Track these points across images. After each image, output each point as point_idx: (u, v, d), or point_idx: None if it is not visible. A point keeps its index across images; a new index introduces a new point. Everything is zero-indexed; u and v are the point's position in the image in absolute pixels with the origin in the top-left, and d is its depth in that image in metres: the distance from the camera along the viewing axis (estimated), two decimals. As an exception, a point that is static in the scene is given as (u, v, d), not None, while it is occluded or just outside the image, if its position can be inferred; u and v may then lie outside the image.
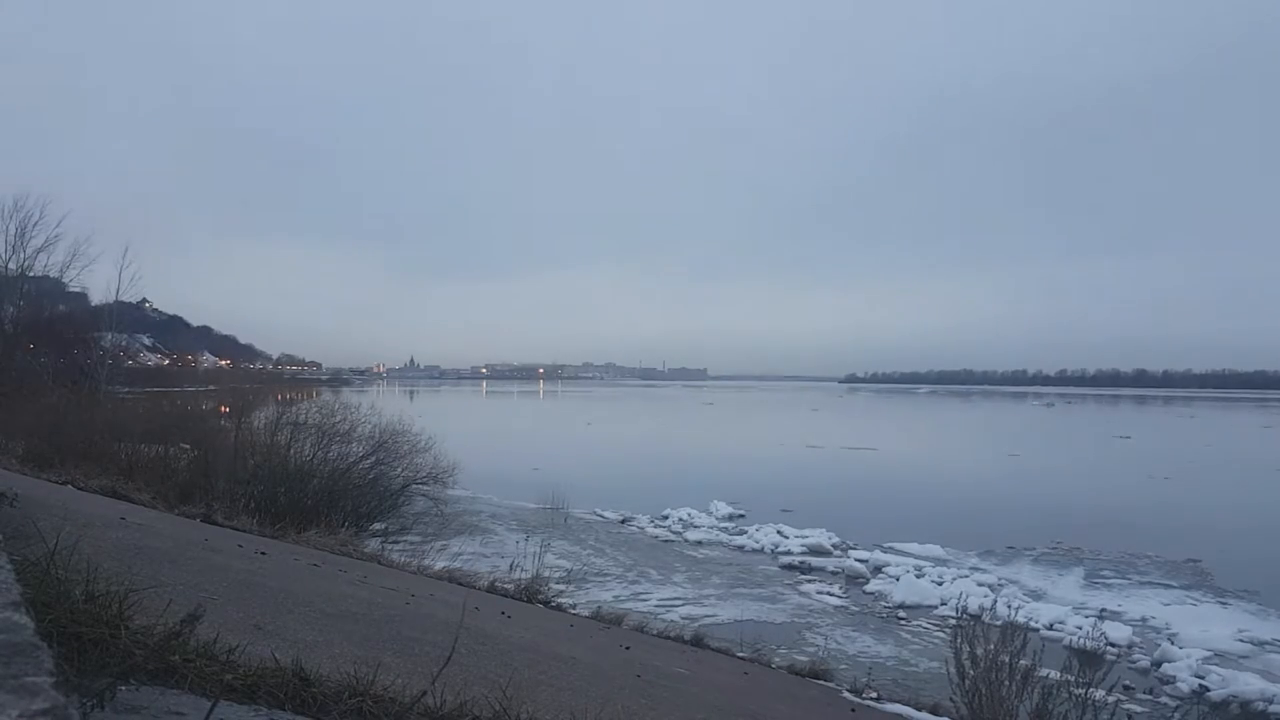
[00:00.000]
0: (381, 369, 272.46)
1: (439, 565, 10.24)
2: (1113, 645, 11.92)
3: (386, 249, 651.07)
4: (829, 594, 15.16)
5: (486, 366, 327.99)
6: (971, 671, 6.23)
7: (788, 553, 18.21)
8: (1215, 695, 10.52)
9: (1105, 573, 17.10)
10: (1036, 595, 15.22)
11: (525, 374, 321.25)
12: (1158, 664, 11.65)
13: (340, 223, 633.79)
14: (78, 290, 38.29)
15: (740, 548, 18.97)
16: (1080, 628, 12.41)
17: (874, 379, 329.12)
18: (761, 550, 18.69)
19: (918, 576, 15.80)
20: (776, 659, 8.73)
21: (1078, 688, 5.85)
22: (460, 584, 8.45)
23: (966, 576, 16.14)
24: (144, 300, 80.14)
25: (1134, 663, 11.81)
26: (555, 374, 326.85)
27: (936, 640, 12.19)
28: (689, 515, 21.93)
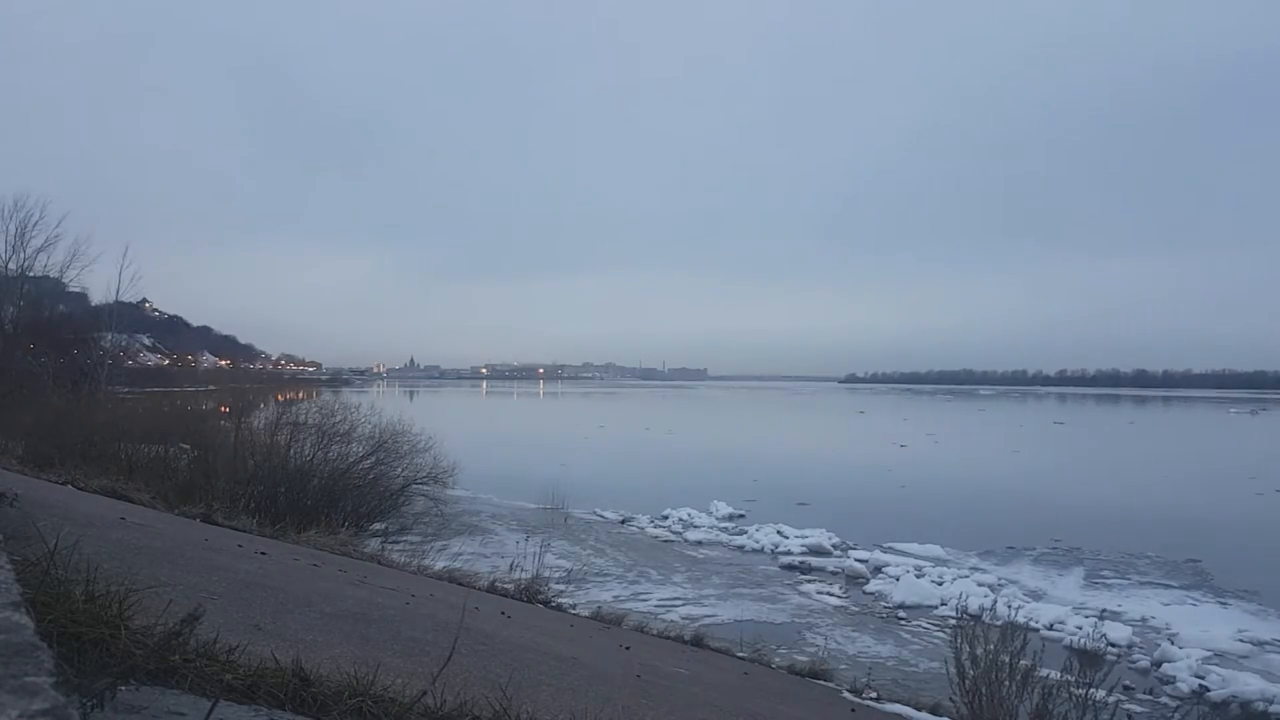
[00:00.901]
0: (381, 369, 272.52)
1: (439, 565, 10.23)
2: (1113, 645, 11.92)
3: (388, 249, 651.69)
4: (829, 594, 15.16)
5: (486, 367, 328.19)
6: (971, 671, 6.23)
7: (788, 553, 18.21)
8: (1215, 695, 10.52)
9: (1105, 573, 17.10)
10: (1036, 595, 15.23)
11: (525, 374, 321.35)
12: (1158, 664, 11.65)
13: (339, 222, 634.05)
14: (78, 290, 38.43)
15: (740, 548, 18.98)
16: (1080, 628, 12.41)
17: (874, 379, 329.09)
18: (761, 550, 18.69)
19: (918, 576, 15.81)
20: (776, 659, 8.72)
21: (1078, 688, 5.85)
22: (460, 584, 8.45)
23: (966, 576, 16.15)
24: (144, 300, 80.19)
25: (1134, 663, 11.81)
26: (555, 374, 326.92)
27: (936, 640, 12.19)
28: (689, 515, 21.94)
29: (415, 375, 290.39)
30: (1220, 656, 11.95)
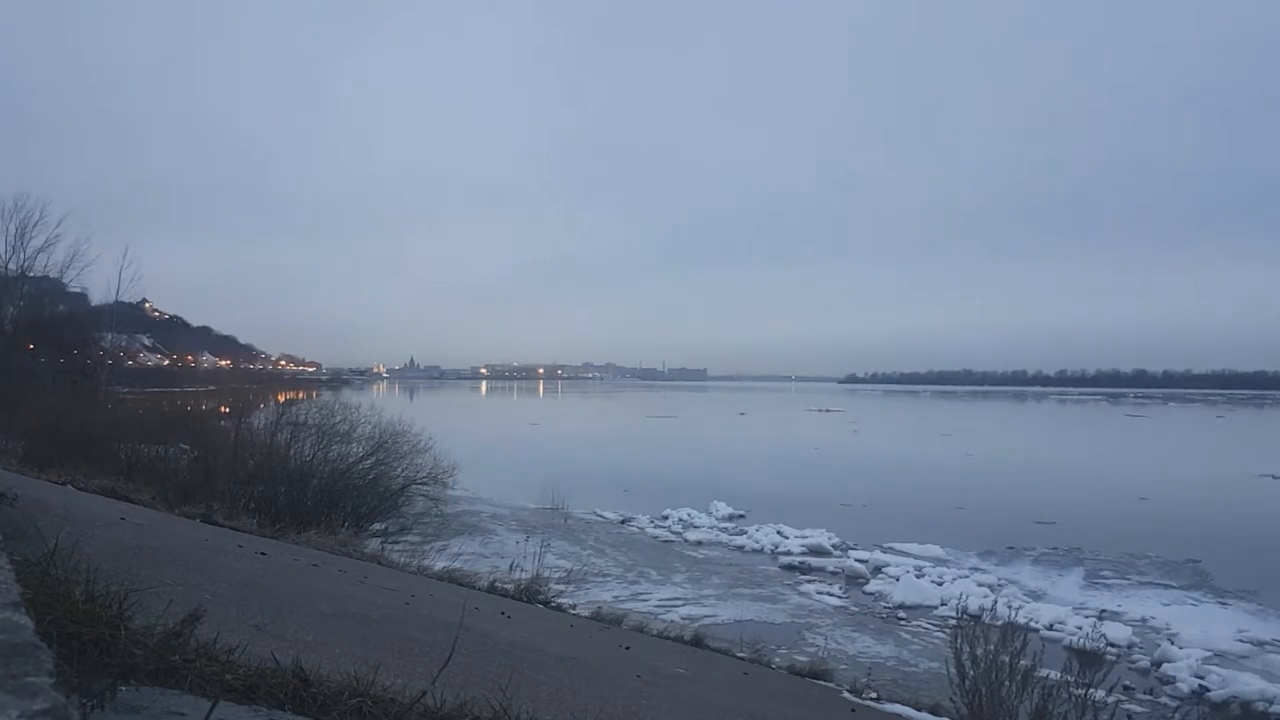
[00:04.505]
0: (381, 369, 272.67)
1: (439, 565, 10.24)
2: (1113, 645, 11.92)
3: (387, 247, 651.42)
4: (829, 594, 15.17)
5: (486, 367, 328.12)
6: (971, 671, 6.23)
7: (788, 553, 18.22)
8: (1215, 695, 10.52)
9: (1105, 573, 17.11)
10: (1036, 595, 15.23)
11: (525, 375, 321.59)
12: (1158, 664, 11.65)
13: (335, 219, 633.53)
14: (78, 290, 38.36)
15: (740, 548, 18.98)
16: (1080, 628, 12.41)
17: (874, 379, 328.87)
18: (761, 550, 18.70)
19: (918, 576, 15.81)
20: (776, 659, 8.73)
21: (1078, 688, 5.85)
22: (460, 584, 8.45)
23: (966, 576, 16.15)
24: (144, 300, 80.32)
25: (1134, 663, 11.81)
26: (555, 374, 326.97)
27: (936, 640, 12.19)
28: (689, 515, 21.94)
29: (415, 375, 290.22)
30: (1220, 656, 11.95)
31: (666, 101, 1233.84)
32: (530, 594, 8.85)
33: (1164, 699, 10.50)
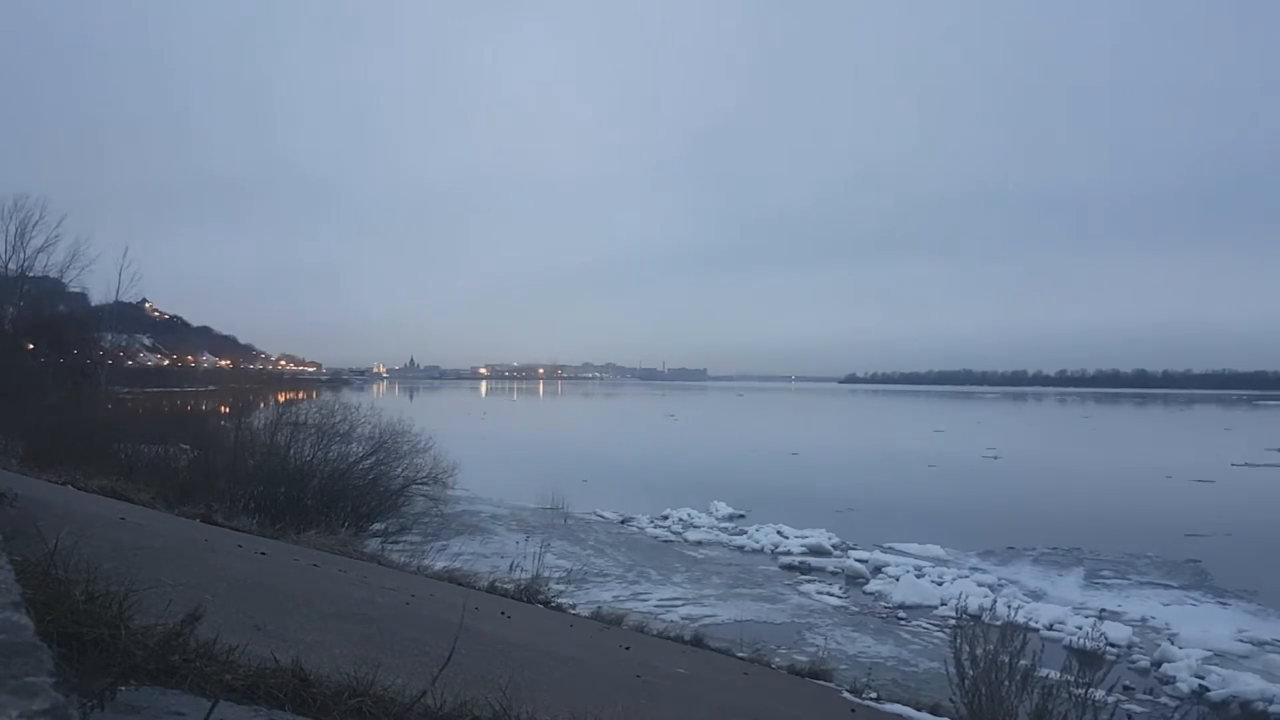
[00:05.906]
0: (381, 369, 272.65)
1: (439, 565, 10.24)
2: (1113, 645, 11.89)
3: (386, 246, 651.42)
4: (829, 594, 15.15)
5: (486, 367, 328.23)
6: (971, 671, 6.22)
7: (788, 553, 18.20)
8: (1215, 695, 10.52)
9: (1105, 573, 17.09)
10: (1036, 595, 15.21)
11: (525, 374, 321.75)
12: (1158, 664, 11.64)
13: (339, 221, 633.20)
14: (78, 290, 38.39)
15: (740, 548, 18.97)
16: (1080, 628, 12.39)
17: (874, 379, 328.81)
18: (761, 550, 18.68)
19: (918, 576, 15.80)
20: (776, 659, 8.73)
21: (1078, 688, 5.84)
22: (460, 584, 8.46)
23: (966, 576, 16.14)
24: (144, 300, 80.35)
25: (1134, 663, 11.80)
26: (554, 374, 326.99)
27: (936, 640, 12.19)
28: (689, 515, 21.93)
29: (415, 375, 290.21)
30: (1220, 656, 11.93)
31: (690, 112, 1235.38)
32: (530, 594, 8.85)
33: (1164, 699, 10.48)
